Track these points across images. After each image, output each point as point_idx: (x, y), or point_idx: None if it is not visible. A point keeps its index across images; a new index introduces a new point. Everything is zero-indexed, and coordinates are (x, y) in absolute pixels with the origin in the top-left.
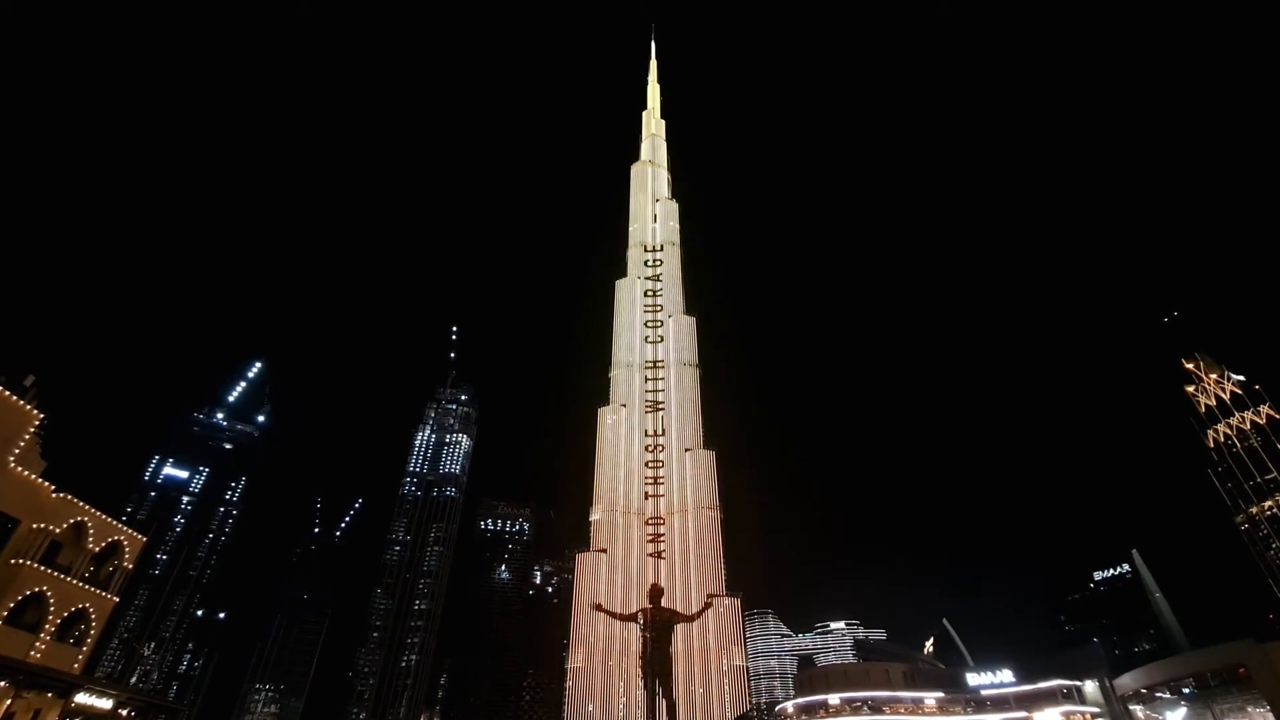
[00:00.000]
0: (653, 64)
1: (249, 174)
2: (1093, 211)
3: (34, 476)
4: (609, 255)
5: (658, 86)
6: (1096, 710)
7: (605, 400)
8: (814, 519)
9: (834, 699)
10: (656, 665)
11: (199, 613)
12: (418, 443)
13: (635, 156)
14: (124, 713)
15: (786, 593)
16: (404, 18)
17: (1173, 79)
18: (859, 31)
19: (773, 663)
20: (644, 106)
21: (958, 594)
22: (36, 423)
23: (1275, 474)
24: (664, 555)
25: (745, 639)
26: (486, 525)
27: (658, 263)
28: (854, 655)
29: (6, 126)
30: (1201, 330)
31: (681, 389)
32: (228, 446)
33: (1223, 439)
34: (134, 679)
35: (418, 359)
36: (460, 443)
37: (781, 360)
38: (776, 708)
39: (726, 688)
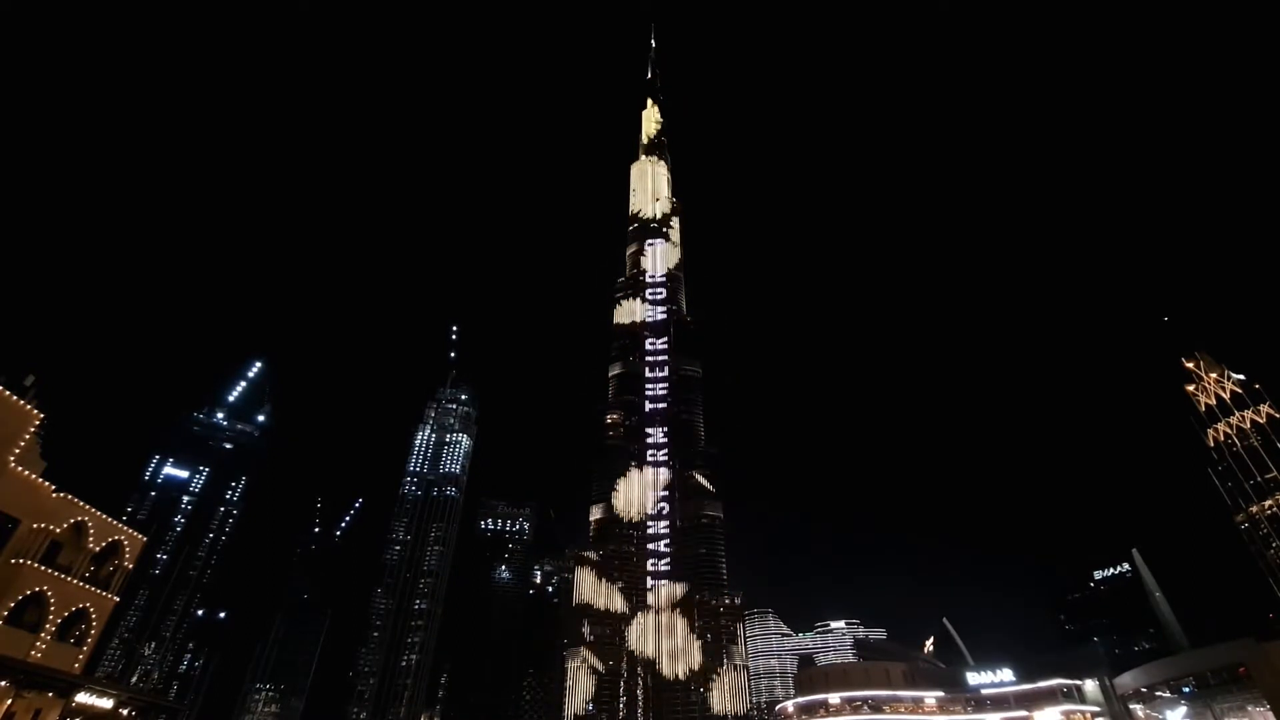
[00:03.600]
0: (652, 63)
1: (249, 174)
2: (1093, 211)
3: (34, 476)
4: (609, 254)
5: (658, 86)
6: (1096, 709)
7: (605, 400)
8: (814, 519)
9: (834, 698)
10: (656, 664)
11: (199, 613)
12: (418, 443)
13: (635, 155)
14: (124, 712)
15: (786, 593)
16: (404, 20)
17: (1173, 79)
18: (859, 30)
19: (773, 662)
20: (644, 105)
21: (958, 593)
22: (36, 423)
23: (1275, 473)
24: (664, 555)
25: (745, 639)
26: (486, 525)
27: (657, 260)
28: (854, 654)
29: (7, 126)
30: (1201, 330)
31: (682, 388)
32: (228, 446)
33: (1223, 438)
34: (134, 679)
35: (418, 359)
36: (460, 443)
37: (783, 358)
38: (776, 707)
39: (727, 687)
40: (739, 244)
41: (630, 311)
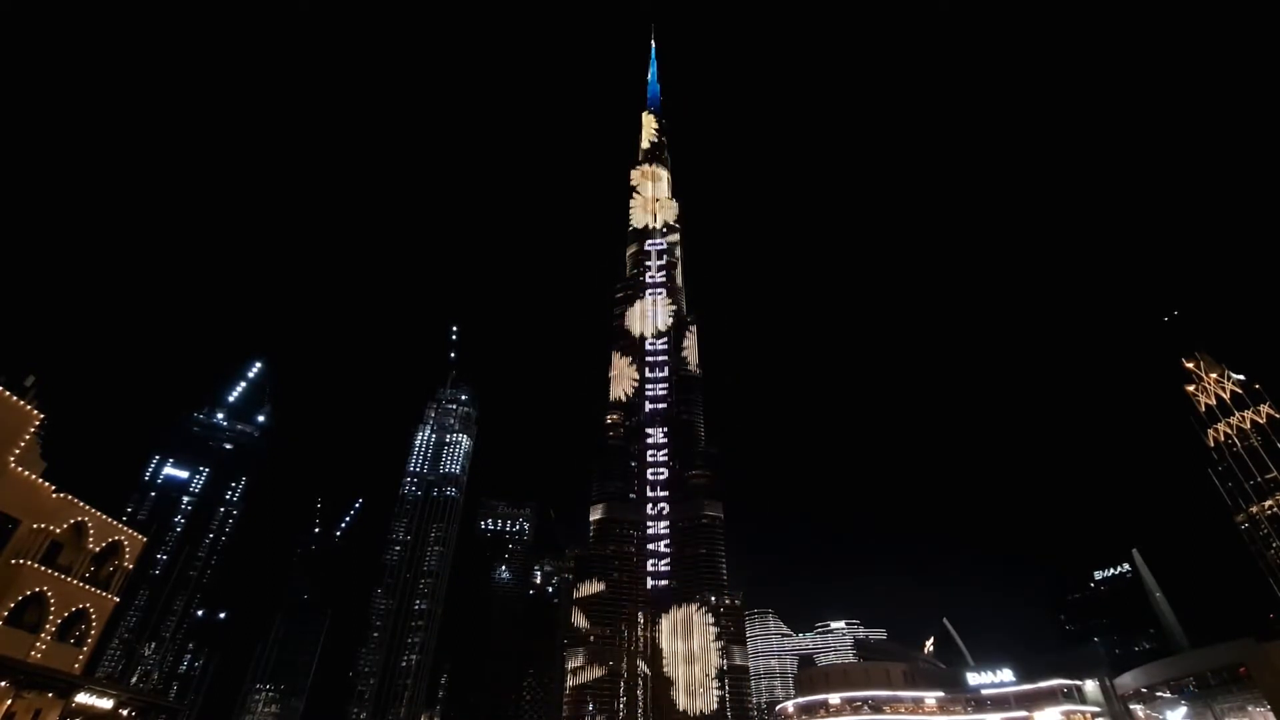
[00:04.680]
0: (653, 64)
1: (249, 174)
2: (1093, 211)
3: (34, 477)
4: (609, 254)
5: (659, 86)
6: (1097, 710)
7: (606, 401)
8: (814, 518)
9: (834, 698)
10: (656, 665)
11: (199, 613)
12: (418, 443)
13: (636, 156)
14: (124, 713)
15: (786, 593)
16: (404, 20)
17: (1173, 79)
18: (859, 30)
19: (773, 663)
20: (644, 106)
21: (958, 593)
22: (36, 423)
23: (1275, 473)
24: (664, 555)
25: (745, 639)
26: (486, 525)
27: (657, 261)
28: (854, 655)
29: (7, 126)
30: (1201, 330)
31: (682, 389)
32: (228, 446)
33: (1223, 438)
34: (134, 679)
35: (418, 359)
36: (460, 443)
37: (782, 359)
38: (776, 707)
39: (727, 687)
40: (739, 244)
41: (629, 310)
